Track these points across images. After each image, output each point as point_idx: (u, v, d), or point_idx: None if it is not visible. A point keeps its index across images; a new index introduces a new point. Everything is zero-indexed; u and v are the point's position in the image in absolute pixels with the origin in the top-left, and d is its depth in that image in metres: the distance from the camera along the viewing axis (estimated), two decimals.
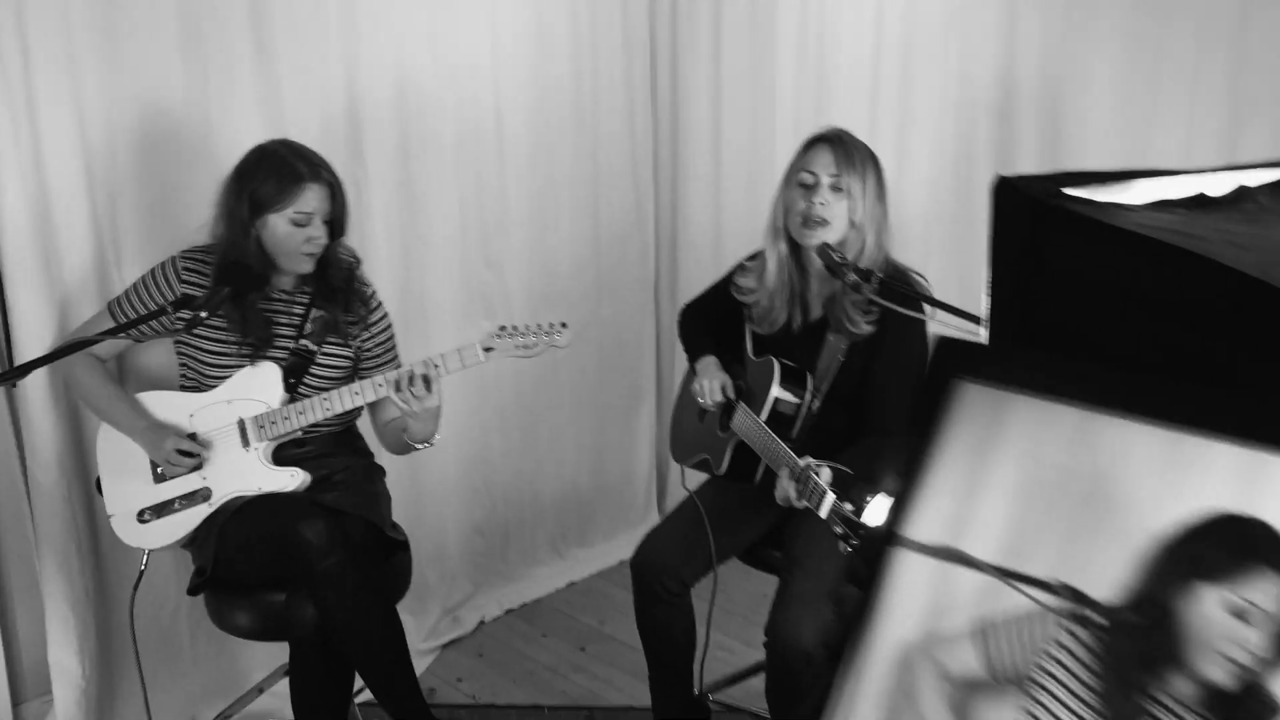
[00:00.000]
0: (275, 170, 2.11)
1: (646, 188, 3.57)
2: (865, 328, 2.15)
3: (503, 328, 2.14)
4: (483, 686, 2.86)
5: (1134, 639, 0.89)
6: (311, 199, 2.12)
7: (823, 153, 2.20)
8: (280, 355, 2.21)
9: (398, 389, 2.08)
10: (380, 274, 2.76)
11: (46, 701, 2.51)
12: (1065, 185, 1.26)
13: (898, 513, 1.08)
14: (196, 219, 2.32)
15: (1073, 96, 2.60)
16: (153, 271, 2.20)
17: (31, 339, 2.26)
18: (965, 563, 0.97)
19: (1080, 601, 0.93)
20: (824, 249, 2.10)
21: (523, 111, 3.14)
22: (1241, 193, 1.34)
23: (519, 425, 3.36)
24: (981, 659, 0.98)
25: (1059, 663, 0.93)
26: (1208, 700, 0.81)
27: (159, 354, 2.32)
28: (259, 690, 2.56)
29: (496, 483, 3.33)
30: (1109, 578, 0.90)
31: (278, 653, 2.31)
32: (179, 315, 2.04)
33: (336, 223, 2.19)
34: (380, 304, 2.38)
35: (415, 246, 2.96)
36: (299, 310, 2.25)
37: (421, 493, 3.09)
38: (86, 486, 2.37)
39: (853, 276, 2.01)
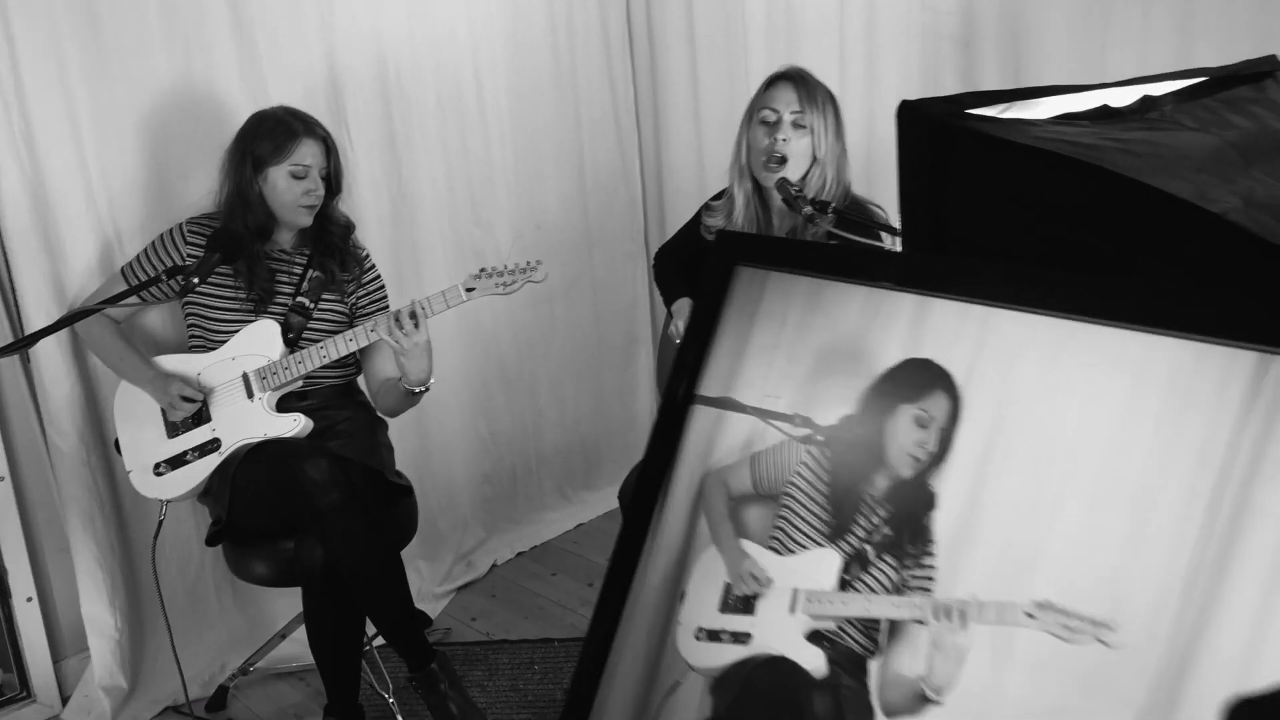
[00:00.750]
0: (273, 129, 2.28)
1: (630, 136, 3.64)
2: None
3: (482, 269, 2.27)
4: (496, 624, 3.00)
5: (852, 452, 1.22)
6: (308, 153, 2.28)
7: (784, 90, 2.27)
8: (279, 312, 2.34)
9: (389, 331, 2.21)
10: (371, 236, 2.87)
11: (84, 658, 2.67)
12: (970, 105, 1.35)
13: (694, 375, 1.39)
14: (190, 190, 2.46)
15: (1030, 19, 2.65)
16: (161, 237, 2.34)
17: (41, 318, 2.37)
18: (737, 408, 1.25)
19: (814, 429, 1.26)
20: (783, 183, 2.18)
21: (502, 69, 3.22)
22: (1146, 103, 1.42)
23: (520, 377, 3.47)
24: (751, 479, 1.32)
25: (801, 476, 1.26)
26: (893, 491, 1.17)
27: (162, 316, 2.49)
28: (281, 636, 2.71)
29: (501, 433, 3.45)
30: (835, 409, 1.24)
31: (297, 601, 2.45)
32: (174, 280, 2.17)
33: (333, 178, 2.33)
34: (374, 265, 2.51)
35: (404, 208, 3.05)
36: (298, 270, 2.39)
37: (429, 446, 3.21)
38: (104, 449, 2.51)
39: (809, 209, 2.09)
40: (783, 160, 2.22)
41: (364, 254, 2.50)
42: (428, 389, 2.35)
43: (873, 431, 1.21)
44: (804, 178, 2.26)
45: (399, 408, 2.47)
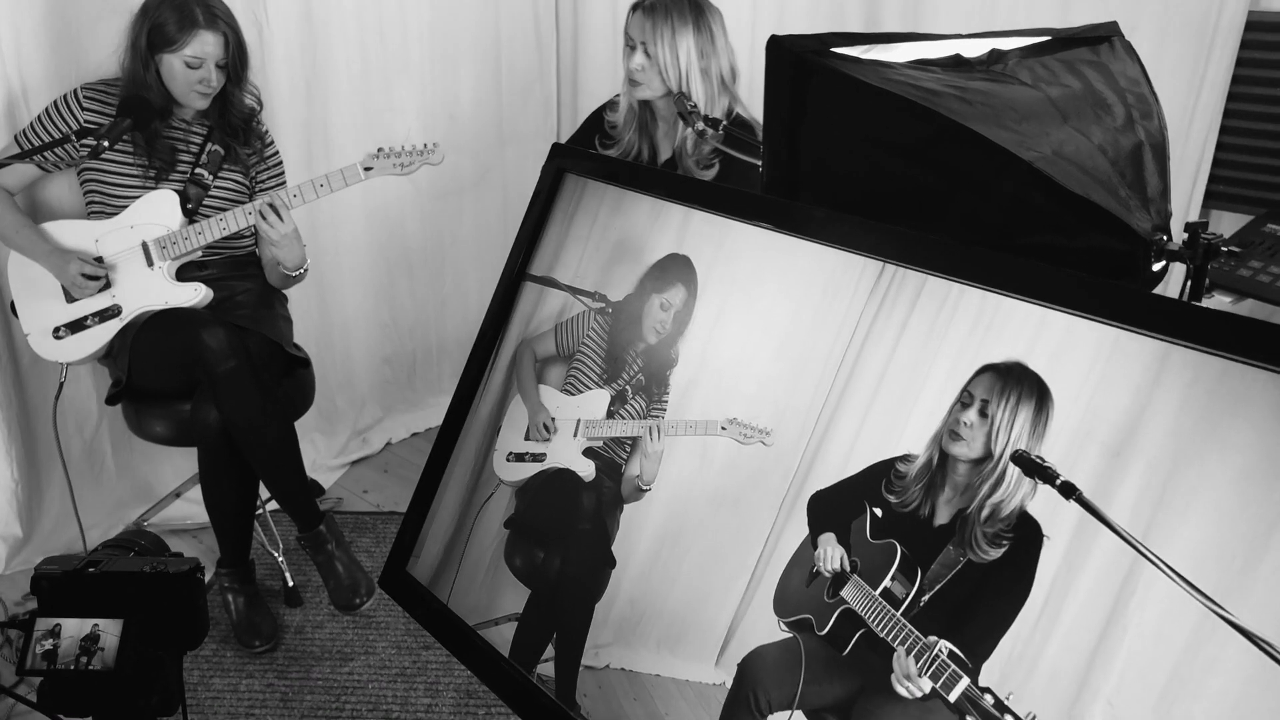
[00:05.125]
0: (176, 11, 2.26)
1: (549, 40, 3.68)
2: (706, 175, 2.39)
3: (380, 149, 2.36)
4: (386, 497, 3.16)
5: (625, 322, 1.69)
6: (204, 45, 2.27)
7: (634, 19, 2.40)
8: (178, 183, 2.39)
9: (262, 216, 2.30)
10: (282, 113, 2.91)
11: None
12: (835, 44, 1.49)
13: (527, 257, 1.80)
14: (97, 54, 2.45)
15: None
16: (55, 103, 2.34)
17: None
18: (553, 285, 1.60)
19: (606, 303, 1.72)
20: (679, 98, 2.30)
21: None
22: (994, 55, 1.58)
23: (425, 265, 3.55)
24: (555, 345, 1.75)
25: (590, 338, 1.71)
26: (647, 351, 1.67)
27: (63, 189, 2.49)
28: (175, 495, 2.82)
29: (403, 319, 3.55)
30: (623, 287, 1.71)
31: (192, 463, 2.56)
32: (83, 143, 2.20)
33: (233, 68, 2.35)
34: (273, 141, 2.57)
35: (318, 89, 3.08)
36: (196, 140, 2.42)
37: (330, 326, 3.30)
38: (2, 310, 2.55)
39: (700, 124, 2.22)
40: (636, 82, 2.38)
41: (265, 129, 2.56)
42: (306, 271, 2.50)
43: (637, 309, 1.67)
44: (665, 96, 2.40)
45: (283, 285, 2.58)
